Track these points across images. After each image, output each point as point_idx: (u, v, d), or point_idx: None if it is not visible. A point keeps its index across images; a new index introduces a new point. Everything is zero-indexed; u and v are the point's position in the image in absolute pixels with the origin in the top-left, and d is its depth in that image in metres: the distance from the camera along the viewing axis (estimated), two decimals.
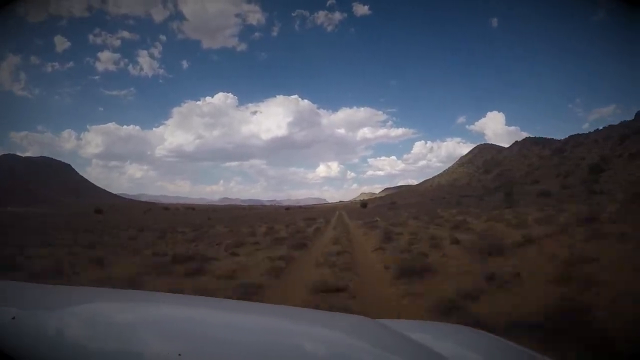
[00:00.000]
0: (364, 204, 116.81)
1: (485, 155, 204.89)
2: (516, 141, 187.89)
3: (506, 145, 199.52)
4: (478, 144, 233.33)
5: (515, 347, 1.31)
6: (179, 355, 0.80)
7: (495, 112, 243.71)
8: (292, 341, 1.14)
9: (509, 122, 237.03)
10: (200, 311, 1.37)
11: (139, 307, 1.35)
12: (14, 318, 0.93)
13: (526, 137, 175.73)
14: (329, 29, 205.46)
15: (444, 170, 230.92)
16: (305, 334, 1.23)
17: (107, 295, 1.55)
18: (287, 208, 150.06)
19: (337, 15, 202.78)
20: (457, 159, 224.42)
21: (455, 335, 1.48)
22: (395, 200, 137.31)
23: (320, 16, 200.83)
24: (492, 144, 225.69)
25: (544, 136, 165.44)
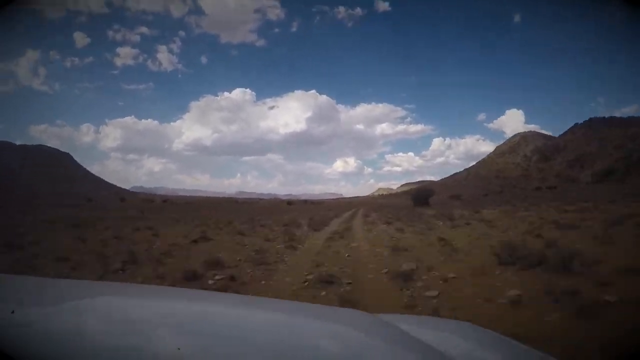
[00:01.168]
0: (423, 195, 56.34)
1: (531, 143, 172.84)
2: (576, 123, 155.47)
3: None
4: (518, 133, 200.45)
5: (519, 345, 1.28)
6: (178, 349, 0.80)
7: (514, 110, 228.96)
8: (294, 336, 1.10)
9: (528, 121, 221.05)
10: (200, 305, 1.35)
11: (138, 301, 1.32)
12: (13, 312, 0.92)
13: (591, 118, 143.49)
14: (349, 24, 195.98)
15: (477, 162, 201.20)
16: (306, 329, 1.19)
17: (106, 289, 1.53)
18: (289, 202, 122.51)
19: (358, 11, 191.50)
20: (476, 156, 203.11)
21: (458, 332, 1.42)
22: (456, 192, 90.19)
23: (341, 11, 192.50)
24: (537, 132, 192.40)
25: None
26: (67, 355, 0.79)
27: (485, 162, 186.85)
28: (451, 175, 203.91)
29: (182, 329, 1.01)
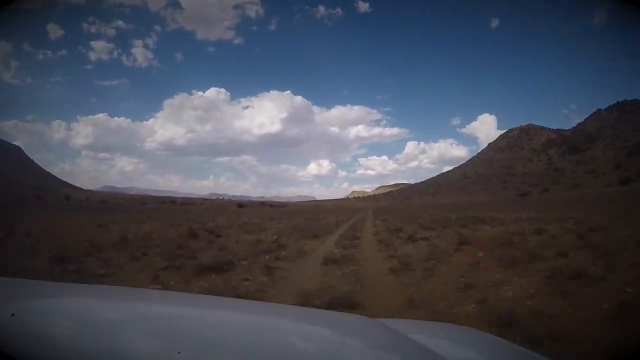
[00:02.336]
0: None
1: (536, 137, 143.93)
2: (599, 109, 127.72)
3: None
4: (511, 127, 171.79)
5: (514, 347, 1.30)
6: (179, 353, 0.81)
7: (486, 115, 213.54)
8: (291, 340, 1.12)
9: (500, 126, 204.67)
10: (200, 309, 1.36)
11: (139, 305, 1.33)
12: (13, 315, 0.92)
13: (617, 102, 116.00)
14: (329, 24, 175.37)
15: (468, 160, 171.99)
16: (303, 333, 1.21)
17: (107, 293, 1.54)
18: (240, 205, 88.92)
19: (338, 11, 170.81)
20: (448, 160, 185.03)
21: (454, 335, 1.43)
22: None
23: (321, 11, 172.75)
24: (536, 125, 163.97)
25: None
26: (68, 358, 0.79)
27: (481, 160, 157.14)
28: (435, 177, 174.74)
29: (182, 333, 1.01)
